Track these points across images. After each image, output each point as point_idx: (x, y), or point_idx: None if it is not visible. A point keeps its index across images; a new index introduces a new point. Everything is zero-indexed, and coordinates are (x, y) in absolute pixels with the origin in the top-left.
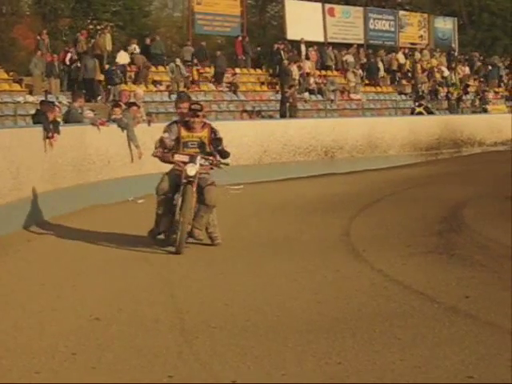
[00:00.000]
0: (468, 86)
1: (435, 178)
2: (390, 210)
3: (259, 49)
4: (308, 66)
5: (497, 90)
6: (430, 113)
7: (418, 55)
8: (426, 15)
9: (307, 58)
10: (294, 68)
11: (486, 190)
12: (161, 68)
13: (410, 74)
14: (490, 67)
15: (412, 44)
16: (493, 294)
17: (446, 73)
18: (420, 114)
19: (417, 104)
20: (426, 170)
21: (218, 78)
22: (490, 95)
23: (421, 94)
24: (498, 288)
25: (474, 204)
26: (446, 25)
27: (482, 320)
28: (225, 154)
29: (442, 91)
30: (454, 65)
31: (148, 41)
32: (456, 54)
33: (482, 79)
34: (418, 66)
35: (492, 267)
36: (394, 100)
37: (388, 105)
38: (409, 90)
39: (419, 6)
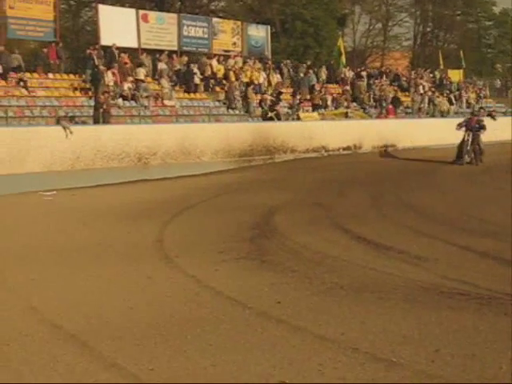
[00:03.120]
0: (281, 93)
1: (248, 184)
2: (203, 216)
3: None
4: (123, 71)
5: (309, 97)
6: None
7: (231, 62)
8: (239, 23)
9: (122, 63)
10: (107, 74)
11: (298, 197)
12: None
13: (223, 81)
14: (301, 75)
15: (225, 51)
16: (303, 300)
17: (260, 80)
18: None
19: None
20: (240, 176)
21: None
22: (302, 103)
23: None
24: (308, 293)
25: (285, 210)
26: (259, 32)
27: (293, 325)
28: None
29: (256, 98)
30: (267, 72)
31: None
32: (269, 61)
33: (294, 87)
34: (231, 72)
35: (303, 273)
36: (208, 107)
37: (202, 111)
38: (222, 96)
39: (233, 14)
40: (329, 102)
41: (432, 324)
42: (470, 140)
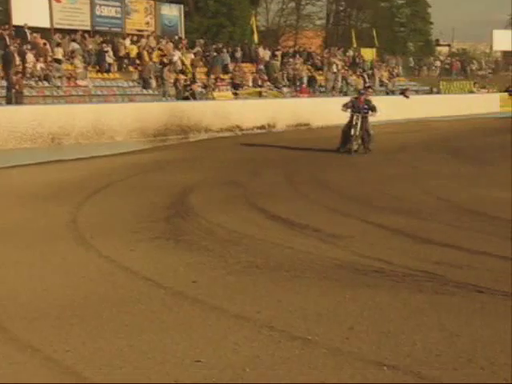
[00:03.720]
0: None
1: (163, 164)
2: (118, 197)
3: None
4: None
5: (222, 76)
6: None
7: (144, 42)
8: (152, 2)
9: (36, 44)
10: (20, 54)
11: (212, 176)
12: None
13: (137, 61)
14: (214, 54)
15: (139, 31)
16: (219, 279)
17: (175, 59)
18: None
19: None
20: (154, 156)
21: None
22: (218, 82)
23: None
24: (224, 273)
25: (200, 190)
26: (172, 12)
27: (208, 304)
28: None
29: (171, 77)
30: (181, 52)
31: None
32: (183, 40)
33: (208, 66)
34: (145, 52)
35: (218, 252)
36: (121, 87)
37: (115, 91)
38: (136, 76)
39: None
40: (250, 83)
41: (347, 301)
42: (359, 124)
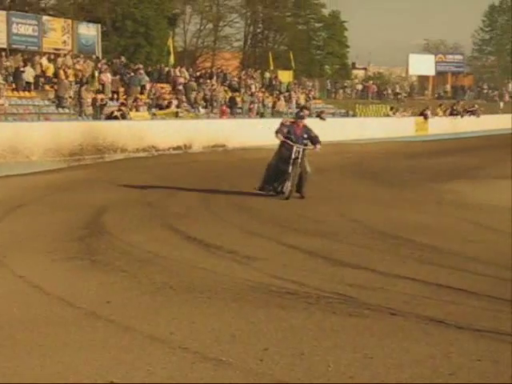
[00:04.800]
0: (114, 92)
1: (78, 183)
2: (32, 216)
3: None
4: None
5: (139, 97)
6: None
7: (61, 60)
8: (69, 21)
9: None
10: None
11: (128, 197)
12: None
13: (53, 80)
14: (132, 74)
15: (56, 49)
16: (133, 299)
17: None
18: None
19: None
20: (69, 175)
21: None
22: (135, 102)
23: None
24: (138, 293)
25: (115, 210)
26: (89, 31)
27: (122, 325)
28: None
29: (88, 96)
30: (98, 71)
31: None
32: (101, 60)
33: (125, 86)
34: (61, 71)
35: (132, 272)
36: (37, 105)
37: (31, 110)
38: (52, 95)
39: (63, 12)
40: (166, 104)
41: (261, 323)
42: (299, 158)
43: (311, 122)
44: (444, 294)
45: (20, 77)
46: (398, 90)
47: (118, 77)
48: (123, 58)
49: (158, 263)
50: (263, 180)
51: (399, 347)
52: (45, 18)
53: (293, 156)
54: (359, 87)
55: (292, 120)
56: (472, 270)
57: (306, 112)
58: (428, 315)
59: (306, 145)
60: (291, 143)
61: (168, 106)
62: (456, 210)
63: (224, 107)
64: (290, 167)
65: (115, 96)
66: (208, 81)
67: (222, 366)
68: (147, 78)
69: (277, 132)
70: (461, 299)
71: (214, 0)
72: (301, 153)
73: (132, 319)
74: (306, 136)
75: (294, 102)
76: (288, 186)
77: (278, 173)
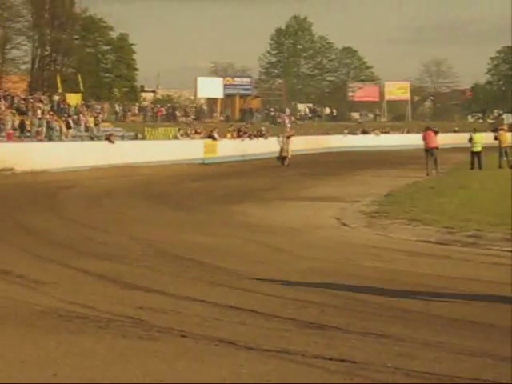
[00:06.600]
0: None
1: None
2: None
3: None
4: None
5: None
6: None
7: None
8: None
9: None
10: None
11: None
12: None
13: None
14: None
15: None
16: None
17: None
18: None
19: None
20: None
21: None
22: None
23: None
24: None
25: None
26: None
27: None
28: None
29: None
30: None
31: None
32: None
33: None
34: None
35: None
36: None
37: None
38: None
39: None
40: None
41: (50, 348)
42: None
43: (100, 146)
44: (234, 315)
45: None
46: (187, 113)
47: None
48: None
49: None
50: None
51: (190, 369)
52: None
53: None
54: (148, 110)
55: None
56: (260, 291)
57: None
58: (218, 336)
59: None
60: None
61: None
62: (244, 231)
63: (10, 131)
64: None
65: None
66: None
67: None
68: None
69: None
70: (250, 320)
71: (0, 22)
72: None
73: None
74: None
75: (83, 124)
76: None
77: None
